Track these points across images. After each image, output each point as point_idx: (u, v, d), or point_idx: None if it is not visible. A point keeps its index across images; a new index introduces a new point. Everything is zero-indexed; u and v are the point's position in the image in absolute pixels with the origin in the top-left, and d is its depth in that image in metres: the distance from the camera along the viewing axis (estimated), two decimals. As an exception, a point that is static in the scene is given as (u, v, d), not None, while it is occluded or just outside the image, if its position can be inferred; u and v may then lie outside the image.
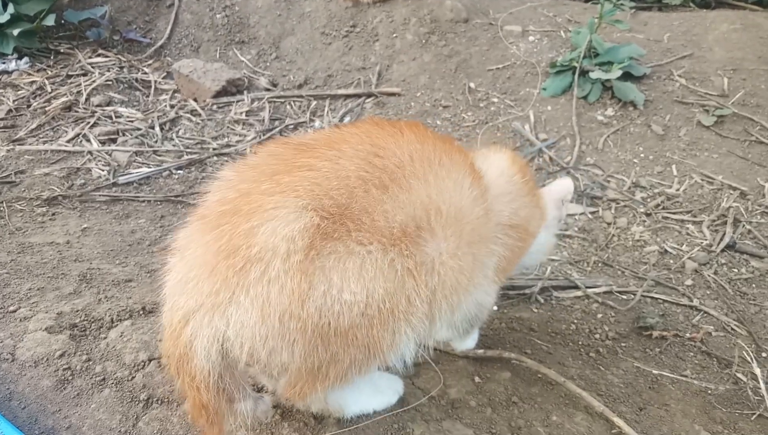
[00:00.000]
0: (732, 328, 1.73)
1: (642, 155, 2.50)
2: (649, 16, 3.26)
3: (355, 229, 0.93)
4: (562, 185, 1.44)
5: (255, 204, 0.92)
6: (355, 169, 0.97)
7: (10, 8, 3.14)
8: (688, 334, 1.68)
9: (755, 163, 2.43)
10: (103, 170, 2.44)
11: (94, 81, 3.06)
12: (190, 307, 0.92)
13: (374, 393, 1.21)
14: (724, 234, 2.11)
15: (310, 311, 0.89)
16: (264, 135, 2.69)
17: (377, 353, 0.97)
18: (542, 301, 1.81)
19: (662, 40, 3.04)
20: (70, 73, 3.14)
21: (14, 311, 1.49)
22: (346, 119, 2.85)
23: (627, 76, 2.73)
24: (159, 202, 2.27)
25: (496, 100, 2.81)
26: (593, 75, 2.65)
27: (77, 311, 1.49)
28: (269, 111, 2.88)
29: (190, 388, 0.95)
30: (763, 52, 2.87)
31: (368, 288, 0.92)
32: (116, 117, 2.82)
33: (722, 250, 2.05)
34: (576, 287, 1.85)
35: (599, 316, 1.76)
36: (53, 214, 2.15)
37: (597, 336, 1.67)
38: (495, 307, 1.76)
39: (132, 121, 2.79)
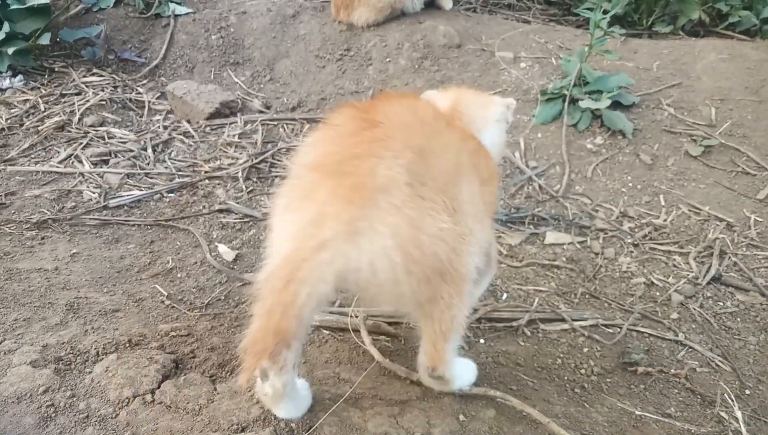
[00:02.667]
0: (716, 364, 1.75)
1: (630, 184, 2.53)
2: (639, 43, 3.31)
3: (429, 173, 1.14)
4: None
5: (366, 150, 1.10)
6: (411, 124, 1.21)
7: (6, 27, 3.15)
8: (672, 370, 1.69)
9: (741, 194, 2.46)
10: (94, 193, 2.44)
11: (87, 100, 3.07)
12: (326, 236, 1.03)
13: (470, 369, 1.46)
14: (710, 266, 2.13)
15: (425, 239, 1.07)
16: (256, 158, 2.70)
17: (466, 283, 1.20)
18: (529, 333, 1.82)
19: (651, 68, 3.08)
20: (64, 91, 3.15)
21: (-1, 343, 1.48)
22: (339, 143, 2.87)
23: (616, 105, 2.77)
24: (149, 227, 2.28)
25: (487, 126, 2.84)
26: (583, 104, 2.69)
27: (63, 344, 1.49)
28: (262, 134, 2.90)
29: (276, 313, 1.04)
30: (749, 82, 2.92)
31: (456, 217, 1.15)
32: (109, 138, 2.83)
33: (708, 283, 2.07)
34: (563, 320, 1.87)
35: (585, 350, 1.77)
36: (42, 238, 2.15)
37: (582, 371, 1.68)
38: (482, 340, 1.77)
39: (125, 143, 2.80)
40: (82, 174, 2.55)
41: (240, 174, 2.60)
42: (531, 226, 2.35)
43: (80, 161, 2.65)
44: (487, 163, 1.55)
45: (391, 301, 1.21)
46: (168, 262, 2.04)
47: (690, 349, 1.80)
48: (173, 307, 1.77)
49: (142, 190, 2.49)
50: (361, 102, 1.36)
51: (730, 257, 2.19)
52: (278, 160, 2.73)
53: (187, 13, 3.57)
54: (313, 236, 1.04)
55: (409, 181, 1.09)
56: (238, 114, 3.03)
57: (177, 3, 3.61)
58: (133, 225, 2.28)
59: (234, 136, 2.88)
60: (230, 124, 2.96)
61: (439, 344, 1.27)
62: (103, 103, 3.07)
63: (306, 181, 1.15)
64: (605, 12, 3.56)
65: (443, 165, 1.20)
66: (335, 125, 1.22)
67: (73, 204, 2.37)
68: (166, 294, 1.83)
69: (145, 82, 3.33)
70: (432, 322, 1.24)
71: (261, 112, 3.10)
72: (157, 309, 1.74)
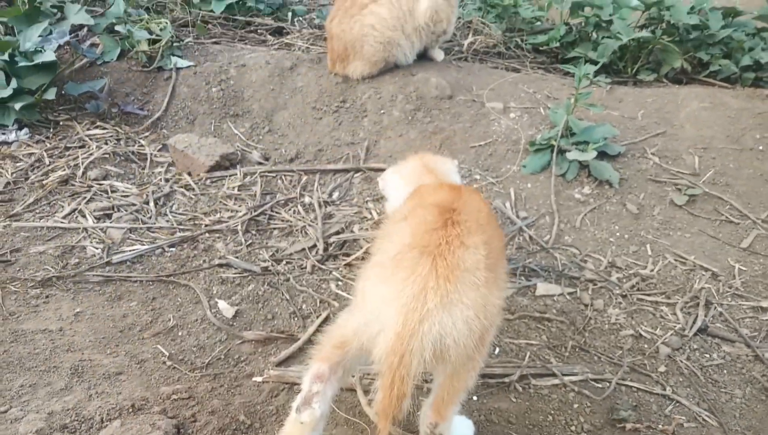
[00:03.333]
0: (703, 419, 1.80)
1: (618, 234, 2.61)
2: (624, 92, 3.44)
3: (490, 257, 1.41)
4: None
5: (456, 239, 1.35)
6: (481, 216, 1.51)
7: (14, 83, 3.27)
8: (660, 426, 1.74)
9: (725, 243, 2.54)
10: (97, 248, 2.51)
11: (91, 153, 3.16)
12: (428, 307, 1.24)
13: (468, 426, 1.65)
14: (697, 317, 2.20)
15: (488, 311, 1.32)
16: (255, 211, 2.78)
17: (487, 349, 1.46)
18: (521, 389, 1.87)
19: (636, 117, 3.20)
20: (68, 145, 3.25)
21: (5, 412, 1.53)
22: (335, 194, 2.96)
23: (603, 154, 2.87)
24: (151, 283, 2.34)
25: (478, 177, 2.93)
26: (570, 155, 2.79)
27: (68, 410, 1.54)
28: (261, 185, 2.99)
29: (399, 382, 1.23)
30: (730, 131, 3.03)
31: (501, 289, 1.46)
32: (112, 191, 2.91)
33: (695, 334, 2.13)
34: (553, 375, 1.92)
35: (575, 405, 1.81)
36: (47, 297, 2.21)
37: (573, 428, 1.72)
38: (475, 398, 1.81)
39: (127, 196, 2.88)
40: (85, 229, 2.63)
41: (239, 227, 2.68)
42: (523, 278, 2.42)
43: (84, 216, 2.72)
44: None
45: (448, 362, 1.36)
46: (169, 319, 2.10)
47: (677, 404, 1.85)
48: (174, 367, 1.82)
49: (144, 245, 2.56)
50: (439, 199, 1.57)
51: (715, 307, 2.26)
52: (277, 213, 2.81)
53: (189, 67, 3.70)
54: (418, 310, 1.25)
55: (486, 264, 1.36)
56: (238, 166, 3.13)
57: (179, 56, 3.74)
58: (135, 281, 2.34)
59: (234, 188, 2.97)
60: (230, 176, 3.05)
61: (449, 400, 1.42)
62: (107, 156, 3.16)
63: (410, 257, 1.35)
64: (593, 62, 3.72)
65: (495, 251, 1.48)
66: (426, 220, 1.45)
67: (77, 260, 2.44)
68: (167, 354, 1.88)
69: (147, 134, 3.44)
70: (454, 380, 1.40)
71: (260, 163, 3.20)
72: (159, 370, 1.79)
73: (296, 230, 2.69)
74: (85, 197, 2.84)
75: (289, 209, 2.84)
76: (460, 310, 1.26)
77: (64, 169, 3.03)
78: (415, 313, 1.23)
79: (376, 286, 1.37)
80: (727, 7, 3.90)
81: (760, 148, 2.91)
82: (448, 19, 3.40)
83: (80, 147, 3.24)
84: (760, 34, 3.82)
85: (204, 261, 2.48)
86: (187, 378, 1.78)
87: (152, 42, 3.73)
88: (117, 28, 3.76)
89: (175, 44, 3.78)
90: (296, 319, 2.16)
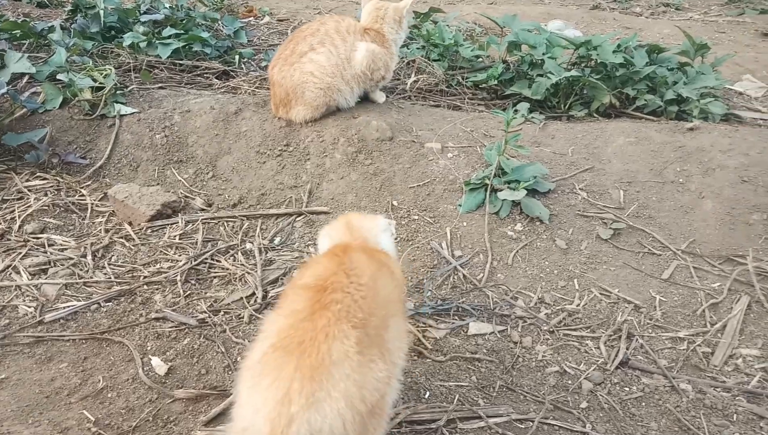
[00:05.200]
0: (619, 454, 1.87)
1: (548, 269, 2.72)
2: (556, 128, 3.60)
3: (370, 334, 1.46)
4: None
5: (323, 333, 1.38)
6: (357, 293, 1.51)
7: (-51, 137, 3.23)
8: (578, 464, 1.81)
9: (647, 275, 2.67)
10: (29, 307, 2.48)
11: (29, 206, 3.14)
12: (293, 411, 1.28)
13: None
14: (619, 350, 2.29)
15: (367, 393, 1.37)
16: (195, 260, 2.80)
17: (386, 414, 1.52)
18: (447, 434, 1.92)
19: (567, 153, 3.35)
20: (5, 197, 3.22)
21: None
22: (276, 239, 3.00)
23: (534, 192, 2.99)
24: (84, 341, 2.32)
25: (416, 217, 3.02)
26: (501, 195, 2.90)
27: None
28: (202, 233, 3.01)
29: None
30: (654, 164, 3.20)
31: (386, 360, 1.48)
32: (49, 245, 2.89)
33: (616, 368, 2.23)
34: (480, 417, 1.98)
35: (499, 448, 1.87)
36: (-26, 362, 2.17)
37: (494, 472, 1.78)
38: (401, 446, 1.85)
39: (64, 250, 2.86)
40: (18, 286, 2.60)
41: (179, 277, 2.69)
42: (456, 318, 2.49)
43: (18, 272, 2.69)
44: (398, 278, 1.76)
45: None
46: (99, 381, 2.09)
47: (596, 440, 1.92)
48: (99, 434, 1.81)
49: (80, 301, 2.55)
50: (309, 280, 1.60)
51: (637, 339, 2.37)
52: (217, 261, 2.83)
53: (133, 113, 3.71)
54: (283, 415, 1.28)
55: (358, 349, 1.39)
56: (180, 214, 3.14)
57: (122, 103, 3.76)
58: (68, 340, 2.32)
59: (175, 237, 2.98)
60: (171, 224, 3.06)
61: None
62: (46, 207, 3.14)
63: (273, 359, 1.38)
64: (528, 100, 3.88)
65: (379, 320, 1.51)
66: (294, 310, 1.48)
67: (7, 321, 2.41)
68: (93, 420, 1.87)
69: (89, 183, 3.43)
70: None
71: (203, 210, 3.22)
72: (83, 438, 1.78)
73: (235, 278, 2.71)
74: (20, 253, 2.81)
75: (230, 257, 2.86)
76: (329, 406, 1.30)
77: (0, 224, 2.99)
78: (281, 418, 1.27)
79: (247, 392, 1.39)
80: (651, 44, 4.15)
81: (681, 180, 3.07)
82: (386, 66, 3.51)
83: (18, 199, 3.21)
84: (683, 69, 4.06)
85: (141, 315, 2.48)
86: (111, 443, 1.78)
87: (96, 89, 3.74)
88: (59, 76, 3.76)
89: (118, 91, 3.80)
90: (230, 372, 2.18)
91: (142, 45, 4.39)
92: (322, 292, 1.48)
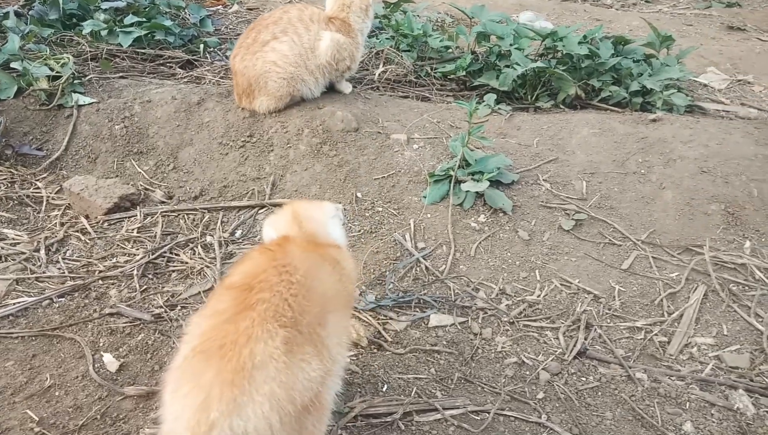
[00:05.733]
0: (573, 444, 1.89)
1: (510, 261, 2.72)
2: (522, 119, 3.60)
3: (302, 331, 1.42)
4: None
5: (245, 335, 1.33)
6: (286, 292, 1.45)
7: None
8: (531, 455, 1.81)
9: (608, 265, 2.69)
10: (-23, 304, 2.39)
11: (-19, 200, 3.03)
12: (213, 418, 1.24)
13: None
14: (577, 340, 2.31)
15: (296, 393, 1.33)
16: (153, 254, 2.73)
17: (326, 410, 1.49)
18: (403, 427, 1.91)
19: (532, 144, 3.35)
20: (-44, 191, 3.10)
21: None
22: (238, 233, 2.95)
23: (497, 183, 2.99)
24: (33, 338, 2.25)
25: (380, 209, 2.99)
26: (464, 186, 2.89)
27: None
28: (161, 226, 2.94)
29: None
30: (616, 155, 3.22)
31: (317, 365, 1.42)
32: (0, 239, 2.79)
33: (574, 358, 2.24)
34: (436, 410, 1.97)
35: (454, 440, 1.87)
36: None
37: (448, 464, 1.77)
38: (356, 440, 1.84)
39: (16, 244, 2.77)
40: (-33, 283, 2.50)
41: (135, 271, 2.62)
42: (417, 310, 2.48)
43: (-33, 268, 2.59)
44: (345, 271, 1.72)
45: None
46: (46, 379, 2.03)
47: (551, 431, 1.93)
48: (43, 433, 1.76)
49: (31, 297, 2.47)
50: (237, 278, 1.54)
51: (595, 330, 2.38)
52: (176, 255, 2.77)
53: (91, 103, 3.61)
54: (203, 422, 1.25)
55: (286, 349, 1.35)
56: (139, 207, 3.06)
57: (81, 93, 3.64)
58: (17, 337, 2.25)
59: (133, 230, 2.91)
60: (129, 218, 2.99)
61: None
62: (-2, 201, 3.03)
63: (194, 364, 1.34)
64: (496, 91, 3.87)
65: (313, 316, 1.47)
66: (217, 310, 1.44)
67: (-46, 319, 2.32)
68: (37, 419, 1.82)
69: (45, 175, 3.32)
70: None
71: (162, 202, 3.14)
72: (25, 439, 1.72)
73: (194, 272, 2.65)
74: (-31, 248, 2.71)
75: (189, 250, 2.80)
76: (253, 410, 1.26)
77: (-51, 218, 2.88)
78: (200, 426, 1.24)
79: (169, 397, 1.35)
80: (617, 36, 4.17)
81: (642, 171, 3.10)
82: (351, 56, 3.46)
83: (-31, 193, 3.10)
84: (648, 60, 4.09)
85: (94, 310, 2.42)
86: (55, 443, 1.72)
87: (53, 78, 3.62)
88: (13, 64, 3.63)
89: (77, 80, 3.68)
90: (185, 368, 2.13)
91: (103, 33, 4.26)
92: (248, 292, 1.42)
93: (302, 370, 1.36)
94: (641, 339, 2.35)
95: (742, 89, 4.50)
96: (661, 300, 2.51)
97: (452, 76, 4.26)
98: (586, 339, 2.32)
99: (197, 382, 1.29)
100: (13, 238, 2.81)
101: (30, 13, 4.38)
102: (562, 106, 3.91)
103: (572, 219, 2.87)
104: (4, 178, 3.23)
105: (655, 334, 2.37)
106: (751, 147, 3.15)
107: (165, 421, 1.34)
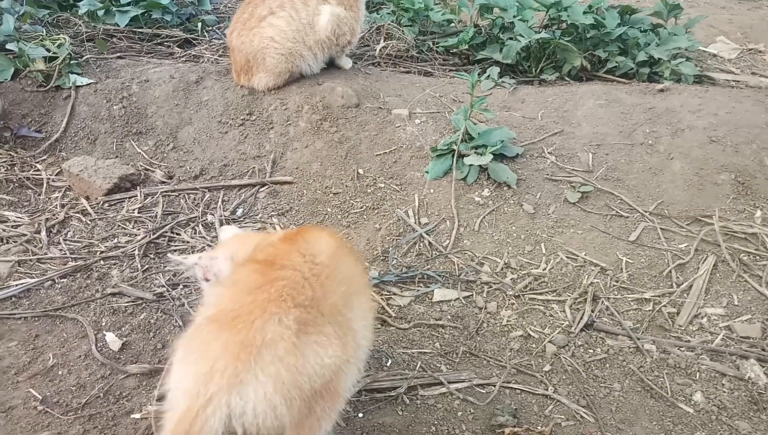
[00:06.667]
0: (581, 416, 1.86)
1: (514, 235, 2.67)
2: (526, 92, 3.52)
3: (323, 312, 1.36)
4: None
5: (258, 308, 1.28)
6: (308, 272, 1.40)
7: None
8: (539, 428, 1.79)
9: (615, 237, 2.64)
10: (-21, 286, 2.38)
11: (-20, 183, 3.01)
12: (212, 391, 1.19)
13: None
14: (584, 313, 2.27)
15: (305, 378, 1.27)
16: (154, 233, 2.71)
17: (340, 399, 1.43)
18: (408, 401, 1.89)
19: (537, 117, 3.28)
20: (-45, 174, 3.08)
21: None
22: (239, 211, 2.91)
23: (501, 157, 2.93)
24: (36, 319, 2.24)
25: (382, 185, 2.95)
26: (467, 160, 2.84)
27: None
28: (162, 206, 2.91)
29: None
30: (623, 126, 3.15)
31: (336, 350, 1.34)
32: (1, 222, 2.77)
33: (581, 330, 2.21)
34: (441, 384, 1.95)
35: (459, 413, 1.85)
36: None
37: (454, 437, 1.76)
38: (361, 414, 1.82)
39: (17, 227, 2.75)
40: (-32, 265, 2.49)
41: (137, 251, 2.60)
42: (421, 285, 2.45)
43: (-32, 251, 2.58)
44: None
45: (273, 431, 1.31)
46: (49, 358, 2.02)
47: (558, 403, 1.91)
48: (47, 411, 1.75)
49: (33, 278, 2.45)
50: (259, 255, 1.50)
51: (603, 302, 2.35)
52: (177, 234, 2.75)
53: (89, 84, 3.56)
54: (202, 394, 1.20)
55: (298, 329, 1.28)
56: (139, 187, 3.03)
57: (78, 74, 3.60)
58: (19, 318, 2.24)
59: (133, 210, 2.88)
60: (130, 198, 2.96)
61: None
62: (-2, 184, 3.01)
63: (204, 333, 1.31)
64: (499, 64, 3.79)
65: (337, 299, 1.41)
66: (236, 281, 1.41)
67: (-44, 300, 2.31)
68: (40, 398, 1.81)
69: (45, 157, 3.29)
70: (300, 430, 1.35)
71: (163, 182, 3.11)
72: (28, 417, 1.72)
73: (195, 251, 2.63)
74: (-30, 231, 2.69)
75: (191, 229, 2.78)
76: (254, 389, 1.21)
77: (-51, 201, 2.87)
78: (199, 397, 1.19)
79: (177, 364, 1.31)
80: (623, 5, 4.06)
81: (650, 142, 3.03)
82: (351, 30, 3.39)
83: (-31, 176, 3.07)
84: (656, 30, 3.99)
85: (96, 291, 2.40)
86: (58, 422, 1.72)
87: (49, 60, 3.57)
88: (9, 46, 3.58)
89: (74, 61, 3.63)
90: (188, 346, 2.11)
91: (100, 13, 4.19)
92: (270, 268, 1.38)
93: (315, 353, 1.29)
94: (649, 310, 2.32)
95: (753, 58, 4.39)
96: (670, 271, 2.47)
97: (455, 51, 4.18)
98: (593, 311, 2.29)
99: (204, 352, 1.25)
100: (14, 221, 2.79)
101: (25, -6, 4.31)
102: (567, 78, 3.82)
103: (578, 191, 2.82)
104: (4, 161, 3.20)
105: (664, 306, 2.33)
106: (761, 115, 3.07)
107: (170, 388, 1.31)
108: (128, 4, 4.20)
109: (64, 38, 3.65)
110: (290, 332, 1.27)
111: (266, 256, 1.46)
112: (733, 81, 3.97)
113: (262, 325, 1.25)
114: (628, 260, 2.53)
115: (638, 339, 2.17)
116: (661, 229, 2.65)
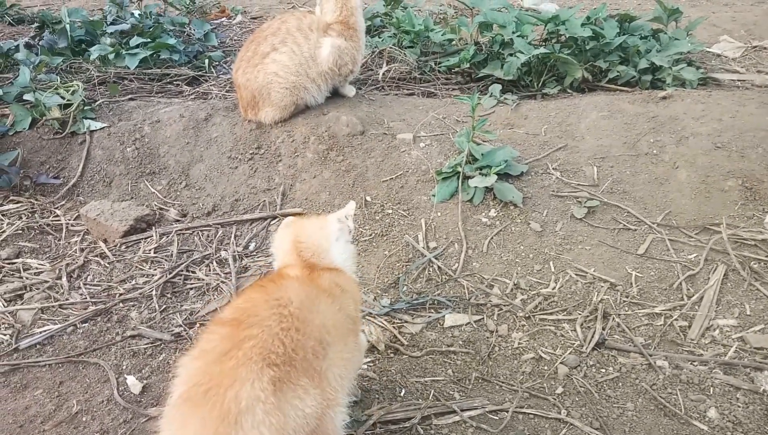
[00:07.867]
0: (594, 438, 1.87)
1: (523, 254, 2.69)
2: (529, 108, 3.55)
3: (296, 366, 1.37)
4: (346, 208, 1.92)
5: (228, 377, 1.28)
6: (276, 326, 1.40)
7: None
8: (552, 452, 1.80)
9: (623, 251, 2.64)
10: (5, 335, 2.48)
11: (3, 231, 3.13)
12: None
13: None
14: (595, 331, 2.28)
15: (291, 433, 1.29)
16: (170, 273, 2.79)
17: None
18: (422, 432, 1.92)
19: (540, 133, 3.31)
20: (-20, 224, 3.20)
21: None
22: (251, 246, 2.98)
23: (506, 176, 2.96)
24: (60, 365, 2.32)
25: (390, 211, 2.99)
26: (472, 182, 2.87)
27: None
28: (177, 244, 2.99)
29: None
30: (627, 137, 3.16)
31: (315, 399, 1.38)
32: (24, 269, 2.88)
33: (593, 349, 2.21)
34: (454, 412, 1.97)
35: (473, 442, 1.87)
36: (-50, 395, 2.18)
37: (468, 466, 1.77)
38: (375, 447, 1.85)
39: (39, 274, 2.85)
40: (-5, 315, 2.59)
41: (154, 292, 2.68)
42: (432, 311, 2.48)
43: (-6, 300, 2.69)
44: (346, 294, 1.70)
45: None
46: (74, 405, 2.09)
47: (571, 426, 1.91)
48: (73, 459, 1.81)
49: (56, 324, 2.54)
50: (227, 314, 1.50)
51: (613, 319, 2.35)
52: (192, 272, 2.82)
53: (103, 128, 3.68)
54: None
55: (274, 388, 1.30)
56: (154, 227, 3.12)
57: (92, 118, 3.73)
58: (44, 365, 2.32)
59: (150, 251, 2.97)
60: (146, 238, 3.05)
61: None
62: (20, 231, 3.13)
63: (180, 415, 1.30)
64: (500, 81, 3.83)
65: (309, 348, 1.42)
66: (204, 350, 1.38)
67: (-16, 351, 2.41)
68: (66, 446, 1.87)
69: (63, 202, 3.41)
70: None
71: (177, 221, 3.20)
72: (55, 465, 1.78)
73: (211, 289, 2.70)
74: (-5, 280, 2.80)
75: (205, 267, 2.85)
76: None
77: (-25, 252, 2.98)
78: None
79: None
80: (622, 14, 4.07)
81: (654, 152, 3.03)
82: (353, 59, 3.46)
83: (-8, 225, 3.20)
84: (656, 36, 3.99)
85: (117, 334, 2.48)
86: (84, 468, 1.78)
87: (64, 106, 3.71)
88: (26, 96, 3.73)
89: (87, 106, 3.77)
90: (206, 385, 2.17)
91: (111, 57, 4.34)
92: (237, 328, 1.36)
93: (295, 407, 1.30)
94: (661, 325, 2.31)
95: (758, 56, 4.35)
96: (680, 283, 2.46)
97: (457, 69, 4.23)
98: (604, 329, 2.29)
99: (184, 429, 1.26)
100: (37, 268, 2.90)
101: (40, 43, 4.49)
102: (569, 91, 3.84)
103: (584, 206, 2.82)
104: (25, 209, 3.32)
105: (675, 319, 2.32)
106: (766, 118, 3.05)
107: None
108: (137, 46, 4.34)
109: (78, 84, 3.79)
110: (266, 394, 1.27)
111: (233, 313, 1.46)
112: (739, 81, 3.95)
113: (234, 395, 1.25)
114: (637, 274, 2.53)
115: (650, 356, 2.17)
116: (669, 240, 2.65)
